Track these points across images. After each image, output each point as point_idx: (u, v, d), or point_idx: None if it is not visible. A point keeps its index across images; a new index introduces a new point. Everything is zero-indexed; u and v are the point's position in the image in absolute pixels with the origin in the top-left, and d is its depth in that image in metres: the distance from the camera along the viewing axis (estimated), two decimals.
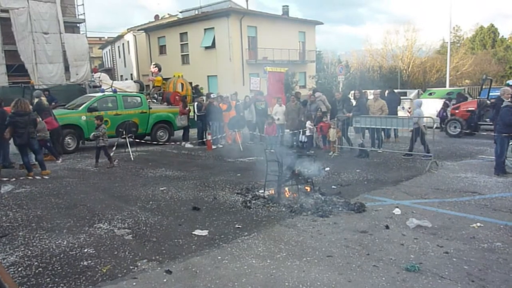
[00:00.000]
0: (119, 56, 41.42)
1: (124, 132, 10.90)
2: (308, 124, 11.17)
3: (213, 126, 13.04)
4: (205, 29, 28.72)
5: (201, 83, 22.97)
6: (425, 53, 40.88)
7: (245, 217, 5.54)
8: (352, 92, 13.84)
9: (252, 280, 3.69)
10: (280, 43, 28.93)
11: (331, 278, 3.70)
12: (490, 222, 5.10)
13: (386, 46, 41.20)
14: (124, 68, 39.55)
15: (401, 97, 15.98)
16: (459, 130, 13.62)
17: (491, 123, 12.34)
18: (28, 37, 20.58)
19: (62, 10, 22.20)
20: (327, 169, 8.52)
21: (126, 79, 33.14)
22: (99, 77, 19.16)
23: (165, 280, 3.73)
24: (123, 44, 39.31)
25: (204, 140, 12.75)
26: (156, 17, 38.34)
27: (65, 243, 4.70)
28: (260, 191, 6.70)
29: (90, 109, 11.95)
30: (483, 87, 14.85)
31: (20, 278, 3.84)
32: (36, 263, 4.17)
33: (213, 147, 12.24)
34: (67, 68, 22.30)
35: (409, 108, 16.07)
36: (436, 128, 11.24)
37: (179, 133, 14.65)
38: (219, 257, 4.20)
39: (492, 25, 46.73)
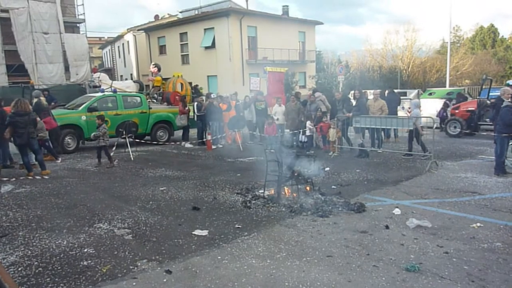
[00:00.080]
0: (119, 56, 41.42)
1: (124, 132, 10.90)
2: (308, 124, 11.17)
3: (213, 126, 13.03)
4: (205, 29, 28.71)
5: (201, 83, 22.98)
6: (425, 53, 40.95)
7: (245, 217, 5.54)
8: (352, 92, 13.81)
9: (252, 280, 3.69)
10: (280, 43, 28.92)
11: (331, 278, 3.70)
12: (490, 222, 5.10)
13: (386, 46, 41.30)
14: (124, 68, 39.56)
15: (401, 97, 15.98)
16: (459, 130, 13.63)
17: (491, 123, 12.35)
18: (28, 37, 20.58)
19: (62, 10, 22.20)
20: (327, 169, 8.52)
21: (126, 79, 33.15)
22: (99, 77, 19.15)
23: (165, 280, 3.73)
24: (123, 44, 39.32)
25: (204, 140, 12.74)
26: (156, 17, 38.34)
27: (65, 243, 4.70)
28: (260, 191, 6.69)
29: (90, 109, 11.96)
30: (483, 87, 14.86)
31: (20, 278, 3.84)
32: (36, 263, 4.17)
33: (213, 147, 12.24)
34: (67, 68, 22.29)
35: (409, 108, 16.06)
36: (436, 128, 11.24)
37: (179, 133, 14.65)
38: (219, 257, 4.20)
39: (492, 25, 46.81)
